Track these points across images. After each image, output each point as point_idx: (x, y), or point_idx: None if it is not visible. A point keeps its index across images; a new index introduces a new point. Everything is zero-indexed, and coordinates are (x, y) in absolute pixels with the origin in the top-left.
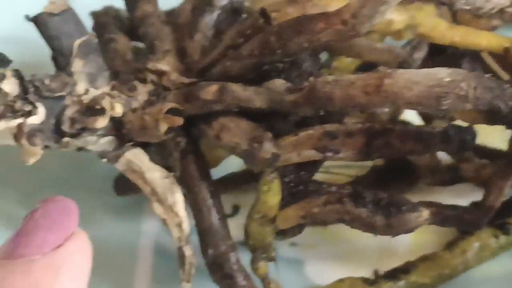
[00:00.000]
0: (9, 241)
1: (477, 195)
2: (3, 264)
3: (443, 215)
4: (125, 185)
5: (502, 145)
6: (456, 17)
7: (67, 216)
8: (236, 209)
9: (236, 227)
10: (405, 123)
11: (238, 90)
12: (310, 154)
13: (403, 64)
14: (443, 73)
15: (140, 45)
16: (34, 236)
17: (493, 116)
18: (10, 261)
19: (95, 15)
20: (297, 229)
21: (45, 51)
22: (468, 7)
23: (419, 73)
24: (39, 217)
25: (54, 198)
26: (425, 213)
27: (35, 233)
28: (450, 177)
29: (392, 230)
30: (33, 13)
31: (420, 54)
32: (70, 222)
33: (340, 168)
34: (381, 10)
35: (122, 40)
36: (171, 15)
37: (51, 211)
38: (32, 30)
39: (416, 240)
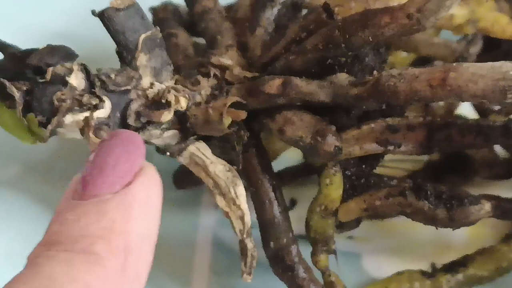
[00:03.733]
0: (77, 181)
1: None
2: (76, 206)
3: (503, 208)
4: (184, 179)
5: None
6: None
7: (134, 150)
8: (293, 203)
9: (293, 221)
10: (461, 117)
11: (302, 84)
12: (372, 147)
13: (459, 58)
14: (508, 67)
15: (199, 40)
16: (102, 174)
17: None
18: (82, 202)
19: (154, 10)
20: (354, 222)
21: (102, 48)
22: None
23: (484, 67)
24: (105, 155)
25: (116, 132)
26: (487, 205)
27: (104, 171)
28: (507, 171)
29: (453, 222)
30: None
31: (475, 49)
32: (137, 156)
33: (396, 162)
34: (446, 5)
35: (182, 35)
36: (229, 10)
37: (116, 146)
38: (88, 27)
39: (473, 233)
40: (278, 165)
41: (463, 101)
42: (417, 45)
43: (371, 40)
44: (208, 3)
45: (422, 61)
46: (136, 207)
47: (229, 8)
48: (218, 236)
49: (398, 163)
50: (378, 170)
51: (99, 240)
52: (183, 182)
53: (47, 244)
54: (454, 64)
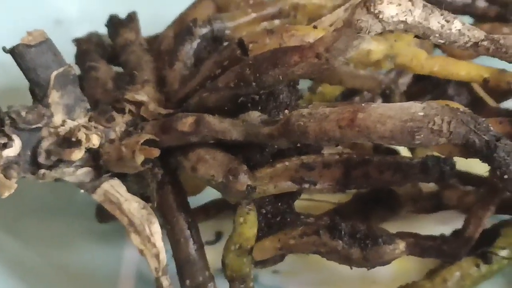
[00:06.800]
0: None
1: (461, 222)
2: None
3: (421, 247)
4: (107, 212)
5: (486, 169)
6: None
7: None
8: (219, 236)
9: (218, 254)
10: (389, 151)
11: (214, 122)
12: (287, 185)
13: (387, 90)
14: (416, 108)
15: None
16: None
17: (468, 150)
18: None
19: (78, 42)
20: (278, 257)
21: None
22: (442, 41)
23: (393, 108)
24: None
25: None
26: (401, 245)
27: None
28: (433, 205)
29: (368, 262)
30: (17, 36)
31: (405, 80)
32: None
33: (322, 195)
34: (354, 44)
35: (103, 68)
36: (153, 42)
37: None
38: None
39: (398, 268)
40: (204, 197)
41: (373, 142)
42: (341, 78)
43: (281, 78)
44: (130, 36)
45: (352, 91)
46: None
47: (154, 39)
48: (142, 270)
49: (325, 196)
50: (303, 204)
51: None
52: (105, 215)
53: None
54: (364, 104)
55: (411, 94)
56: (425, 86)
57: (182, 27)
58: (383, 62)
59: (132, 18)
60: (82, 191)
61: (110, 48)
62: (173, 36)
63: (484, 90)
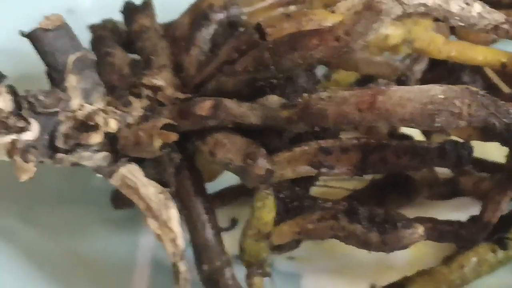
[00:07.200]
0: None
1: (477, 209)
2: None
3: (439, 231)
4: (122, 199)
5: (501, 156)
6: (455, 30)
7: None
8: (234, 223)
9: (234, 241)
10: (404, 137)
11: (232, 106)
12: (305, 170)
13: (402, 77)
14: (436, 90)
15: (139, 57)
16: None
17: (488, 133)
18: None
19: (93, 28)
20: (294, 243)
21: (42, 64)
22: (462, 24)
23: (412, 90)
24: None
25: None
26: (420, 229)
27: None
28: (448, 191)
29: (386, 246)
30: (29, 26)
31: (420, 67)
32: None
33: (338, 182)
34: (374, 27)
35: (119, 54)
36: (169, 29)
37: None
38: (28, 43)
39: (414, 254)
40: (220, 184)
41: (393, 125)
42: (357, 64)
43: (300, 62)
44: (145, 22)
45: (367, 78)
46: None
47: (169, 26)
48: (158, 257)
49: (340, 182)
50: (320, 190)
51: None
52: (121, 202)
53: None
54: (383, 87)
55: (426, 81)
56: (440, 73)
57: (198, 13)
58: (401, 46)
59: (147, 4)
60: (99, 175)
61: (125, 35)
62: (189, 22)
63: (501, 75)
